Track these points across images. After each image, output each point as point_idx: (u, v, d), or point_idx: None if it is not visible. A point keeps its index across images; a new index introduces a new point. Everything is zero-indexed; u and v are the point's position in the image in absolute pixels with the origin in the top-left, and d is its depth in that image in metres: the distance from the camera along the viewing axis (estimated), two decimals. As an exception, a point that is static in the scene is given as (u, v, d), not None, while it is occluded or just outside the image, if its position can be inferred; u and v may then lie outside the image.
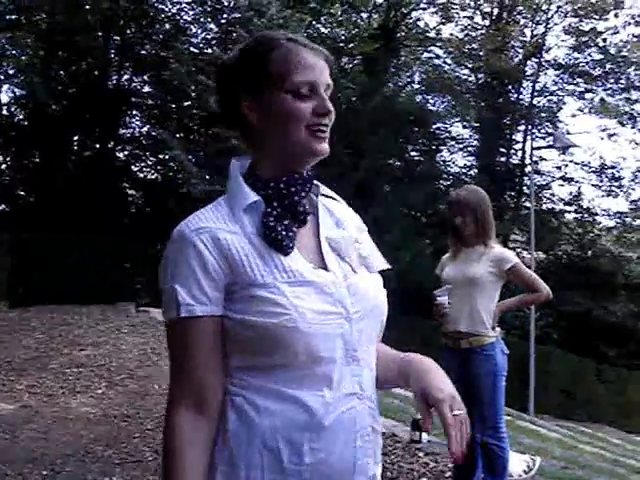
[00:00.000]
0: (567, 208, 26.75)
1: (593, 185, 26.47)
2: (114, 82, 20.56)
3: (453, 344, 4.32)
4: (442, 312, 4.25)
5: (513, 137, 26.70)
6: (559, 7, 24.73)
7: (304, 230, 1.49)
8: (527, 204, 23.52)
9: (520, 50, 25.64)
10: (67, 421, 6.72)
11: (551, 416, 15.63)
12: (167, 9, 19.68)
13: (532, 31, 25.59)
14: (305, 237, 1.48)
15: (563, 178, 26.48)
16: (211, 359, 1.40)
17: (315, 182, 1.55)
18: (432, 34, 24.38)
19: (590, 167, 26.27)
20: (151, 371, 8.69)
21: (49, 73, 19.29)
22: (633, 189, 26.31)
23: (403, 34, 23.67)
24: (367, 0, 21.25)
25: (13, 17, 18.56)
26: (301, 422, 1.36)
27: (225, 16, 17.44)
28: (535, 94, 25.85)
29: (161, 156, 19.72)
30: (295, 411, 1.36)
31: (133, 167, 21.86)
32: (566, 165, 26.20)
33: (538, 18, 25.22)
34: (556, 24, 25.30)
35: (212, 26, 18.75)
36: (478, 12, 25.75)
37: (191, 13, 19.54)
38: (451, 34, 25.29)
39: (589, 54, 25.20)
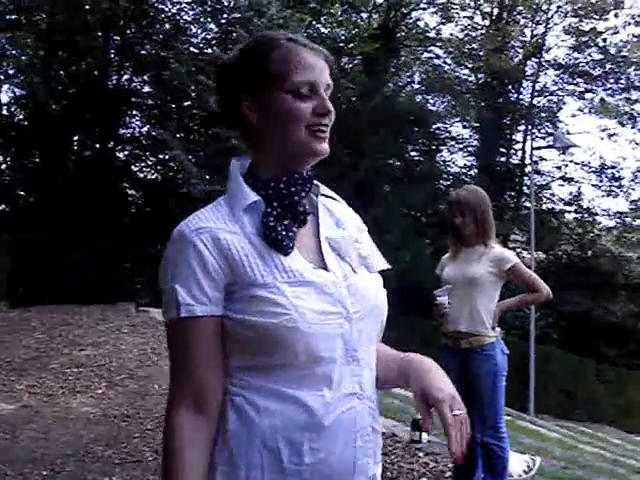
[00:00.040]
0: (567, 208, 26.76)
1: (593, 185, 26.50)
2: (114, 82, 20.56)
3: (453, 344, 4.32)
4: (442, 312, 4.25)
5: (513, 137, 26.72)
6: (559, 7, 24.74)
7: (304, 230, 1.49)
8: (527, 204, 23.53)
9: (520, 50, 25.65)
10: (67, 421, 6.72)
11: (551, 416, 15.63)
12: (167, 9, 19.69)
13: (532, 31, 25.62)
14: (305, 237, 1.48)
15: (563, 178, 26.50)
16: (211, 359, 1.40)
17: (315, 182, 1.55)
18: (432, 34, 24.40)
19: (590, 167, 26.29)
20: (151, 371, 8.69)
21: (49, 73, 19.29)
22: (633, 189, 26.36)
23: (403, 34, 23.67)
24: (367, 0, 21.25)
25: (13, 17, 18.57)
26: (301, 422, 1.36)
27: (225, 16, 17.45)
28: (535, 94, 25.87)
29: (161, 156, 19.72)
30: (295, 411, 1.36)
31: (133, 167, 21.86)
32: (566, 165, 26.25)
33: (538, 18, 25.23)
34: (556, 24, 25.35)
35: (212, 26, 18.76)
36: (478, 12, 25.78)
37: (191, 13, 19.55)
38: (451, 34, 25.34)
39: (589, 54, 25.21)
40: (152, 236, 15.72)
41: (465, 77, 26.08)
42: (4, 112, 20.52)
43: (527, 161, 25.01)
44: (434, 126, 24.17)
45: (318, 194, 1.57)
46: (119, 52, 20.55)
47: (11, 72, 20.29)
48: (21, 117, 20.55)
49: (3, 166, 20.66)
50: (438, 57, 25.09)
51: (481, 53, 24.48)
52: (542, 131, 25.75)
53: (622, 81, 25.29)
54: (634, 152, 33.72)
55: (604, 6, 23.53)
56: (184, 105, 19.30)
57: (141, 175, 22.01)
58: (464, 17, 25.45)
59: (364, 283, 1.48)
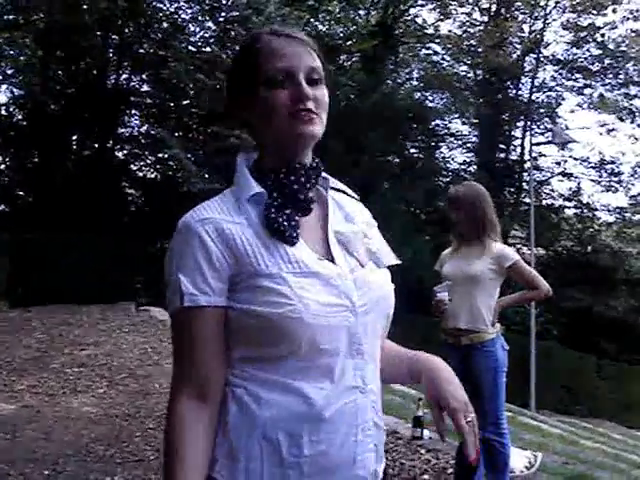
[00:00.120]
0: (567, 204, 26.74)
1: (592, 180, 26.45)
2: (113, 81, 20.54)
3: (453, 341, 4.32)
4: (442, 308, 4.24)
5: (512, 133, 26.73)
6: (557, 2, 24.69)
7: (312, 222, 1.50)
8: (526, 200, 23.54)
9: (518, 46, 25.63)
10: (68, 421, 6.73)
11: (552, 412, 15.65)
12: (165, 8, 19.66)
13: (530, 27, 25.56)
14: (313, 229, 1.49)
15: (562, 174, 26.46)
16: (214, 349, 1.40)
17: (324, 175, 1.56)
18: (430, 31, 24.37)
19: (589, 162, 26.24)
20: (152, 370, 8.69)
21: (47, 73, 19.31)
22: (632, 184, 26.30)
23: (401, 31, 23.65)
24: (365, -3, 21.28)
25: (11, 17, 18.55)
26: (301, 414, 1.36)
27: (223, 14, 17.44)
28: (534, 90, 25.83)
29: (160, 155, 19.71)
30: (295, 403, 1.36)
31: (132, 166, 21.86)
32: (565, 161, 26.20)
33: (536, 14, 25.18)
34: (554, 20, 25.28)
35: (210, 24, 18.75)
36: (476, 8, 25.76)
37: (189, 12, 19.53)
38: (449, 30, 25.28)
39: (588, 49, 25.17)
40: (152, 235, 15.75)
41: (464, 73, 26.05)
42: (3, 112, 20.51)
43: (526, 157, 25.02)
44: (433, 123, 24.15)
45: (327, 187, 1.57)
46: (117, 51, 20.53)
47: (9, 72, 20.31)
48: (20, 117, 20.54)
49: (2, 166, 20.66)
50: (436, 54, 25.09)
51: (479, 49, 24.42)
52: (541, 127, 25.72)
53: (621, 76, 25.26)
54: (633, 147, 33.71)
55: (602, 1, 23.48)
56: (183, 104, 19.30)
57: (140, 174, 22.00)
58: (462, 13, 25.44)
59: (371, 277, 1.49)
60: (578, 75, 25.55)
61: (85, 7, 17.71)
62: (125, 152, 21.75)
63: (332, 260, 1.45)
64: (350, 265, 1.47)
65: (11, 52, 20.21)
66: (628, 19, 24.55)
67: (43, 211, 17.02)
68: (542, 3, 24.73)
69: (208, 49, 17.99)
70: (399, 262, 1.60)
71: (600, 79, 25.47)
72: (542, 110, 25.82)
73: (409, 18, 24.16)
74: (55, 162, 18.97)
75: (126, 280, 15.79)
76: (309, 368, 1.37)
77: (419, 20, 24.52)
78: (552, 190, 26.95)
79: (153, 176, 21.83)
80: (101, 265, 15.24)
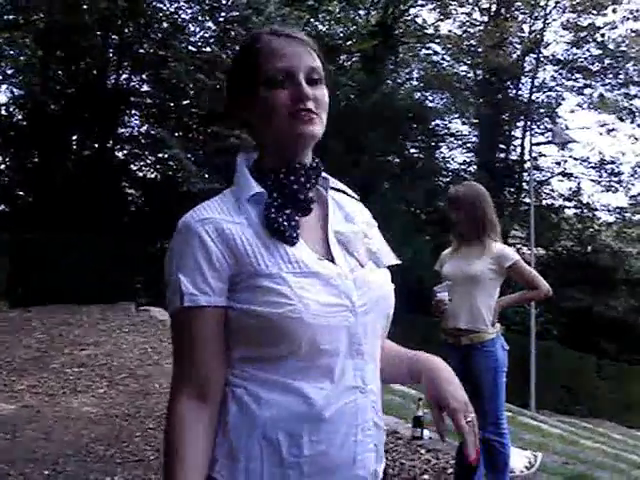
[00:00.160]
0: (567, 204, 26.73)
1: (592, 180, 26.44)
2: (113, 81, 20.54)
3: (453, 341, 4.32)
4: (442, 308, 4.24)
5: (512, 133, 26.73)
6: (557, 2, 24.69)
7: (312, 223, 1.50)
8: (526, 200, 23.54)
9: (518, 46, 25.63)
10: (68, 421, 6.73)
11: (552, 412, 15.65)
12: (165, 8, 19.66)
13: (530, 27, 25.56)
14: (313, 230, 1.49)
15: (562, 174, 26.46)
16: (214, 349, 1.40)
17: (324, 175, 1.56)
18: (430, 31, 24.36)
19: (589, 162, 26.24)
20: (152, 370, 8.69)
21: (47, 73, 19.31)
22: (633, 184, 26.29)
23: (401, 31, 23.64)
24: (365, -3, 21.28)
25: (11, 17, 18.55)
26: (301, 414, 1.36)
27: (223, 14, 17.44)
28: (534, 90, 25.83)
29: (160, 155, 19.71)
30: (295, 403, 1.36)
31: (132, 166, 21.86)
32: (565, 161, 26.20)
33: (536, 14, 25.17)
34: (554, 20, 25.28)
35: (210, 24, 18.75)
36: (476, 8, 25.76)
37: (189, 12, 19.53)
38: (449, 30, 25.26)
39: (587, 49, 25.16)
40: (152, 235, 15.75)
41: (464, 73, 26.05)
42: (3, 112, 20.51)
43: (526, 157, 25.02)
44: (433, 123, 24.15)
45: (327, 187, 1.57)
46: (117, 51, 20.53)
47: (10, 72, 20.31)
48: (20, 117, 20.54)
49: (2, 166, 20.66)
50: (436, 54, 25.09)
51: (479, 49, 24.42)
52: (541, 127, 25.72)
53: (621, 76, 25.25)
54: (633, 147, 33.71)
55: (602, 1, 23.47)
56: (183, 104, 19.30)
57: (140, 174, 22.01)
58: (462, 13, 25.43)
59: (371, 277, 1.49)
60: (578, 75, 25.55)
61: (85, 7, 17.72)
62: (125, 152, 21.75)
63: (332, 260, 1.45)
64: (350, 265, 1.47)
65: (11, 52, 20.21)
66: (628, 19, 24.57)
67: (43, 211, 17.02)
68: (542, 3, 24.73)
69: (208, 49, 17.99)
70: (399, 262, 1.60)
71: (600, 79, 25.47)
72: (542, 110, 25.82)
73: (409, 18, 24.16)
74: (55, 162, 18.97)
75: (126, 280, 15.79)
76: (309, 368, 1.37)
77: (419, 20, 24.56)
78: (552, 190, 27.00)
79: (153, 176, 21.84)
80: (101, 265, 15.24)
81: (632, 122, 26.10)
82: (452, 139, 26.02)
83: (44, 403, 7.38)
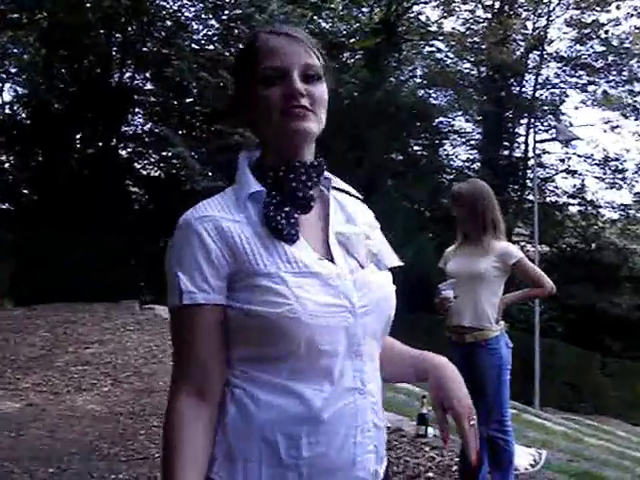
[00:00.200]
0: (571, 201, 26.73)
1: (596, 177, 26.45)
2: (116, 80, 20.56)
3: (457, 338, 4.32)
4: (447, 306, 4.24)
5: (516, 130, 26.67)
6: (560, -1, 24.67)
7: (312, 222, 1.49)
8: (530, 197, 23.50)
9: (522, 43, 25.58)
10: (73, 419, 6.74)
11: (556, 409, 15.63)
12: (168, 6, 19.65)
13: (534, 24, 25.51)
14: (313, 230, 1.48)
15: (566, 171, 26.45)
16: (213, 347, 1.40)
17: (327, 175, 1.55)
18: (434, 28, 24.33)
19: (593, 159, 26.24)
20: (156, 368, 8.70)
21: (51, 71, 19.34)
22: (637, 181, 26.28)
23: (404, 28, 23.61)
24: (368, -6, 21.24)
25: (15, 16, 18.56)
26: (300, 415, 1.35)
27: (226, 12, 17.45)
28: (537, 87, 25.80)
29: (164, 153, 19.72)
30: (294, 404, 1.36)
31: (136, 164, 21.89)
32: (569, 158, 26.18)
33: (540, 10, 25.12)
34: (558, 16, 25.22)
35: (213, 22, 18.76)
36: (479, 5, 25.69)
37: (192, 10, 19.53)
38: (453, 28, 25.22)
39: (591, 46, 25.11)
40: (156, 233, 15.76)
41: (467, 71, 26.04)
42: (7, 111, 20.56)
43: (530, 154, 24.91)
44: (436, 120, 24.15)
45: (330, 187, 1.57)
46: (121, 50, 20.55)
47: (13, 71, 20.31)
48: (24, 116, 20.57)
49: (6, 165, 20.69)
50: (440, 51, 25.06)
51: (483, 46, 24.40)
52: (545, 124, 25.74)
53: (625, 73, 25.20)
54: (637, 144, 33.81)
55: (606, -2, 23.44)
56: (186, 102, 19.32)
57: (144, 172, 22.04)
58: (465, 10, 25.40)
59: (371, 278, 1.48)
60: (582, 72, 25.52)
61: (88, 5, 17.72)
62: (129, 150, 21.78)
63: (332, 260, 1.44)
64: (350, 266, 1.46)
65: (15, 51, 20.23)
66: (632, 16, 24.45)
67: (47, 209, 17.06)
68: (545, 0, 24.68)
69: (211, 47, 18.00)
70: (401, 264, 1.60)
71: (604, 76, 25.43)
72: (546, 107, 25.81)
73: (412, 15, 24.13)
74: (59, 160, 19.00)
75: (130, 278, 15.83)
76: (308, 369, 1.37)
77: (422, 17, 24.49)
78: (556, 187, 26.98)
79: (157, 174, 21.86)
80: (105, 263, 15.27)
81: (636, 119, 26.09)
82: (456, 136, 26.04)
83: (49, 401, 7.40)
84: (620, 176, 26.13)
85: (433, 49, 25.07)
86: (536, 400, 14.27)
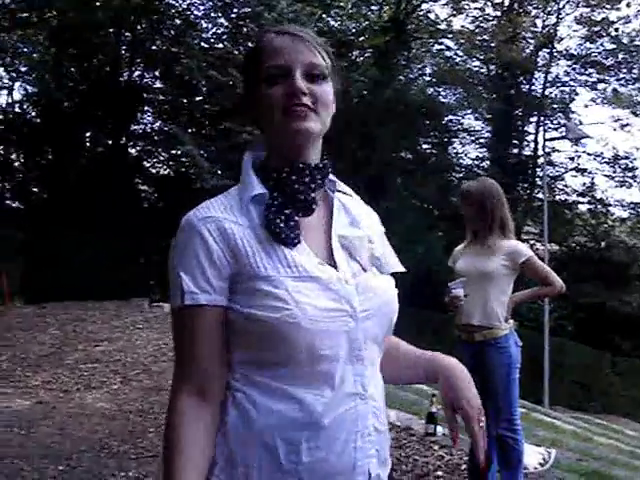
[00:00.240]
0: (580, 199, 26.66)
1: (606, 176, 26.37)
2: (126, 78, 20.64)
3: (467, 337, 4.31)
4: (457, 305, 4.23)
5: (525, 128, 26.63)
6: (570, -3, 24.59)
7: (315, 225, 1.48)
8: (540, 195, 23.49)
9: (532, 41, 25.53)
10: (83, 416, 6.76)
11: (566, 408, 15.59)
12: (177, 4, 19.73)
13: (543, 21, 25.47)
14: (316, 233, 1.47)
15: (576, 169, 26.39)
16: (214, 348, 1.39)
17: (331, 178, 1.53)
18: (443, 26, 24.29)
19: (603, 158, 26.18)
20: (165, 366, 8.71)
21: (61, 70, 19.42)
22: (646, 179, 26.18)
23: (414, 26, 23.57)
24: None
25: (24, 15, 18.63)
26: (300, 421, 1.35)
27: (235, 11, 17.49)
28: (547, 85, 25.75)
29: (173, 151, 19.78)
30: (294, 410, 1.35)
31: (145, 163, 21.96)
32: (579, 156, 26.13)
33: (549, 8, 25.05)
34: (568, 14, 25.16)
35: (222, 21, 18.81)
36: (489, 3, 25.61)
37: (201, 8, 19.60)
38: (462, 26, 25.17)
39: (601, 44, 25.05)
40: (165, 231, 15.69)
41: (476, 69, 25.99)
42: (17, 110, 20.63)
43: (540, 152, 24.90)
44: (446, 118, 24.14)
45: (334, 190, 1.55)
46: (130, 48, 20.62)
47: (23, 70, 20.41)
48: (33, 114, 20.66)
49: (16, 163, 20.79)
50: (449, 49, 25.00)
51: (492, 44, 24.33)
52: (554, 122, 25.68)
53: (635, 71, 25.12)
54: (647, 142, 33.55)
55: (616, -5, 23.35)
56: (195, 100, 19.37)
57: (153, 171, 22.12)
58: (475, 8, 25.31)
59: (374, 282, 1.47)
60: (592, 70, 25.44)
61: (98, 4, 17.78)
62: (138, 149, 21.86)
63: (334, 264, 1.43)
64: (353, 269, 1.45)
65: (25, 49, 20.32)
66: (642, 13, 24.40)
67: (57, 208, 17.12)
68: (555, -3, 24.61)
69: (220, 45, 18.04)
70: (404, 270, 1.59)
71: (614, 74, 25.35)
72: (555, 105, 25.74)
73: (421, 13, 24.08)
74: (68, 159, 19.08)
75: (140, 276, 15.86)
76: (309, 374, 1.36)
77: (431, 15, 24.44)
78: (566, 186, 26.91)
79: (166, 172, 21.93)
80: (114, 261, 15.32)
81: (646, 117, 25.97)
82: (465, 134, 26.00)
83: (58, 399, 7.43)
84: (630, 174, 26.06)
85: (442, 47, 25.03)
86: (545, 399, 14.24)
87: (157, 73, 21.08)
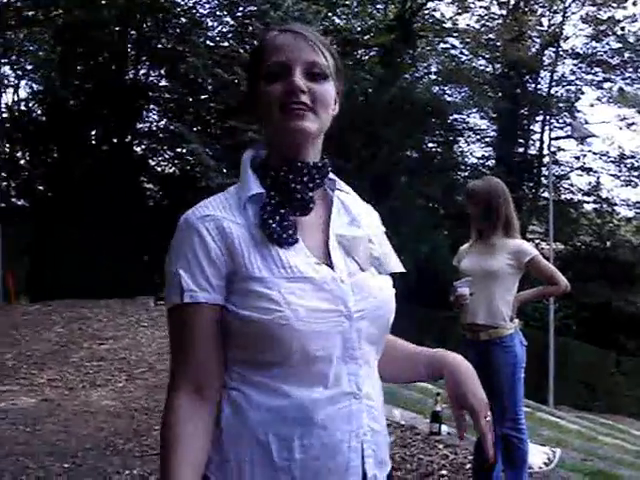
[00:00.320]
0: (586, 198, 26.60)
1: (612, 175, 26.29)
2: (131, 76, 20.67)
3: (472, 336, 4.31)
4: (463, 303, 4.23)
5: (531, 127, 26.56)
6: (577, -5, 24.52)
7: (313, 224, 1.47)
8: (545, 195, 23.40)
9: (537, 40, 25.44)
10: (88, 414, 6.77)
11: (570, 408, 15.56)
12: (183, 2, 19.76)
13: (549, 20, 25.38)
14: (314, 232, 1.47)
15: (582, 168, 26.32)
16: (211, 346, 1.39)
17: (331, 176, 1.53)
18: (448, 25, 24.19)
19: (609, 157, 26.09)
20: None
21: (66, 68, 19.42)
22: (652, 179, 26.09)
23: (419, 25, 23.50)
24: (383, -9, 21.22)
25: (30, 13, 18.66)
26: (292, 418, 1.35)
27: (241, 9, 17.50)
28: (553, 84, 25.67)
29: (178, 150, 19.82)
30: (288, 407, 1.35)
31: (151, 161, 22.01)
32: (584, 155, 26.05)
33: (555, 7, 24.97)
34: (574, 13, 25.06)
35: (228, 19, 18.83)
36: (495, 2, 25.51)
37: (207, 6, 19.62)
38: (468, 24, 25.09)
39: (607, 43, 24.94)
40: (170, 230, 15.68)
41: (482, 67, 25.90)
42: (22, 108, 20.67)
43: (545, 151, 24.83)
44: (451, 117, 24.08)
45: (334, 189, 1.55)
46: (136, 46, 20.64)
47: (29, 68, 20.44)
48: (39, 112, 20.71)
49: (22, 161, 20.84)
50: (455, 48, 24.91)
51: (498, 43, 24.28)
52: (560, 121, 25.60)
53: (641, 70, 25.05)
54: (653, 141, 33.46)
55: (622, -6, 23.28)
56: (201, 98, 19.38)
57: (159, 169, 22.17)
58: (480, 7, 25.22)
59: (371, 282, 1.47)
60: (597, 69, 25.35)
61: (103, 2, 17.81)
62: (143, 147, 21.89)
63: (330, 263, 1.43)
64: (350, 269, 1.44)
65: (30, 48, 20.35)
66: (648, 12, 24.33)
67: (62, 206, 17.15)
68: (561, -4, 24.55)
69: (226, 44, 18.02)
70: (403, 270, 1.58)
71: (620, 73, 25.25)
72: (561, 104, 25.67)
73: (427, 12, 24.00)
74: (74, 157, 19.09)
75: (145, 275, 15.87)
76: (303, 374, 1.36)
77: (437, 14, 24.33)
78: (571, 185, 26.85)
79: (171, 171, 21.98)
80: (120, 260, 15.33)
81: (652, 116, 25.88)
82: (470, 133, 25.96)
83: (64, 397, 7.44)
84: (636, 174, 25.95)
85: (448, 46, 24.93)
86: (550, 398, 14.23)
87: (162, 71, 21.11)
